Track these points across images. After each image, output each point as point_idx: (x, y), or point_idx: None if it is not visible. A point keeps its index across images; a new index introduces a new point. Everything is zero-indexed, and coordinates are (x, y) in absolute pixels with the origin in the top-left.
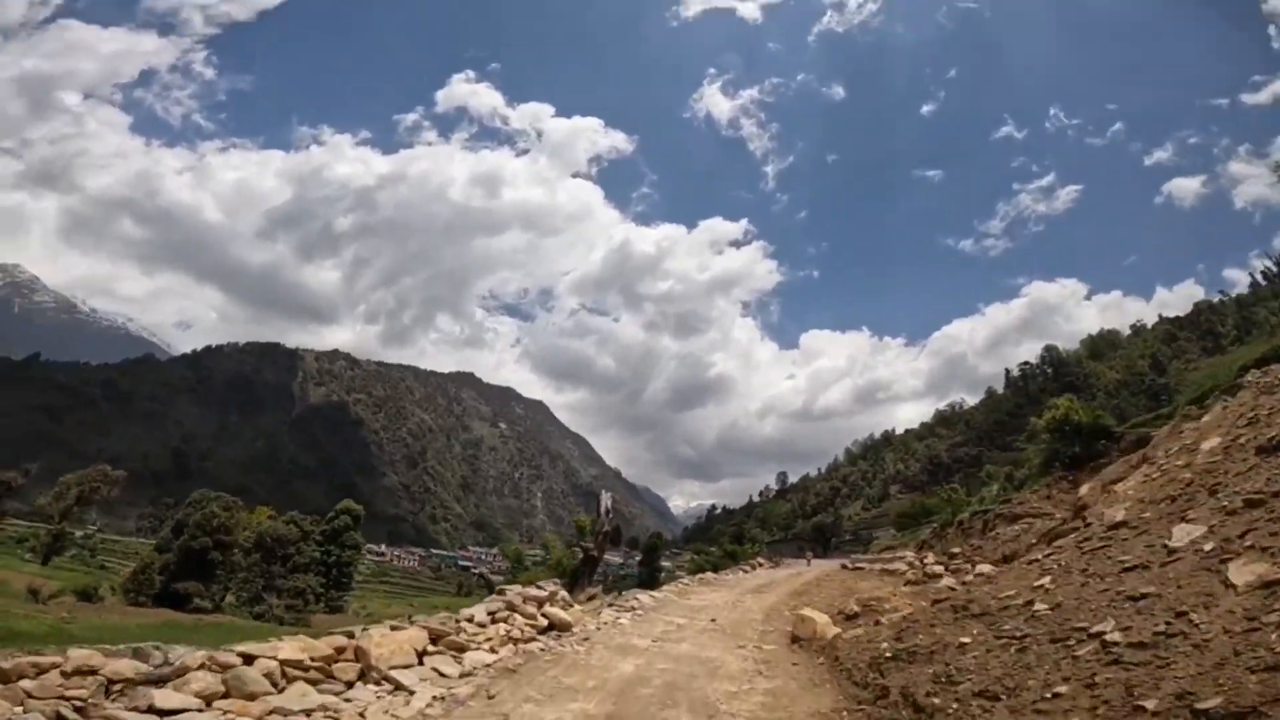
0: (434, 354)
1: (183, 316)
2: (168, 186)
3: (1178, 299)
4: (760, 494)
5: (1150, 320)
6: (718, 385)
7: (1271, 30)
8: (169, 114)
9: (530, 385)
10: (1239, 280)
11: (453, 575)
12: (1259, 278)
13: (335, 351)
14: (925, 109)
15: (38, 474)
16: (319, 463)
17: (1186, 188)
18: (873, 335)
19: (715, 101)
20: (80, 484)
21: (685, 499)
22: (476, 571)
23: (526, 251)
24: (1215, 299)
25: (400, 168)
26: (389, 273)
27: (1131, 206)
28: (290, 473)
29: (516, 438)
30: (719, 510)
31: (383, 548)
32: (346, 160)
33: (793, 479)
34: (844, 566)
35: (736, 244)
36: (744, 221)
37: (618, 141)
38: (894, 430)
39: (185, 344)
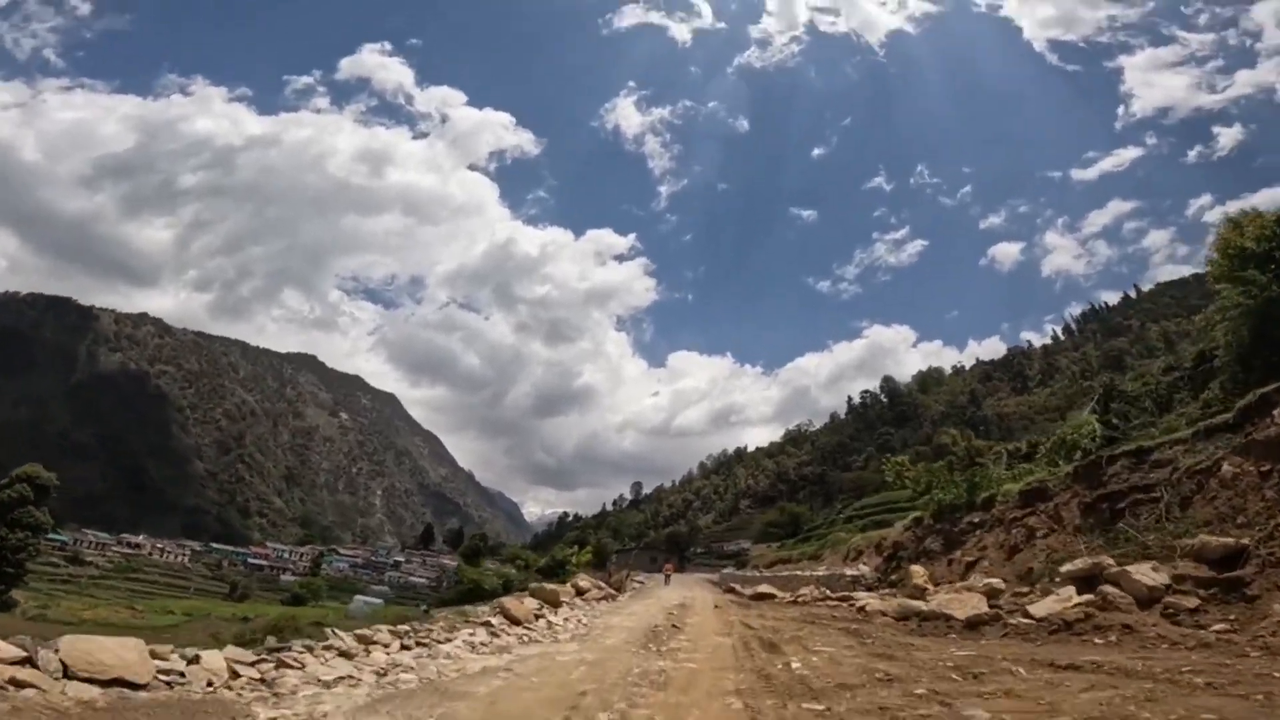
0: (275, 332)
1: None
2: None
3: (985, 351)
4: (614, 503)
5: (968, 364)
6: (583, 395)
7: (1120, 110)
8: (18, 47)
9: (382, 377)
10: (1034, 340)
11: (235, 574)
12: (1059, 332)
13: (143, 315)
14: (816, 151)
15: None
16: (101, 440)
17: (1008, 253)
18: (735, 361)
19: (627, 114)
20: None
21: (540, 506)
22: (271, 569)
23: (403, 236)
24: (1024, 346)
25: (276, 130)
26: (234, 239)
27: (962, 265)
28: (59, 449)
29: (359, 430)
30: (571, 518)
31: (140, 537)
32: (212, 115)
33: (647, 490)
34: (730, 590)
35: (620, 258)
36: (632, 236)
37: (525, 141)
38: (745, 447)
39: None
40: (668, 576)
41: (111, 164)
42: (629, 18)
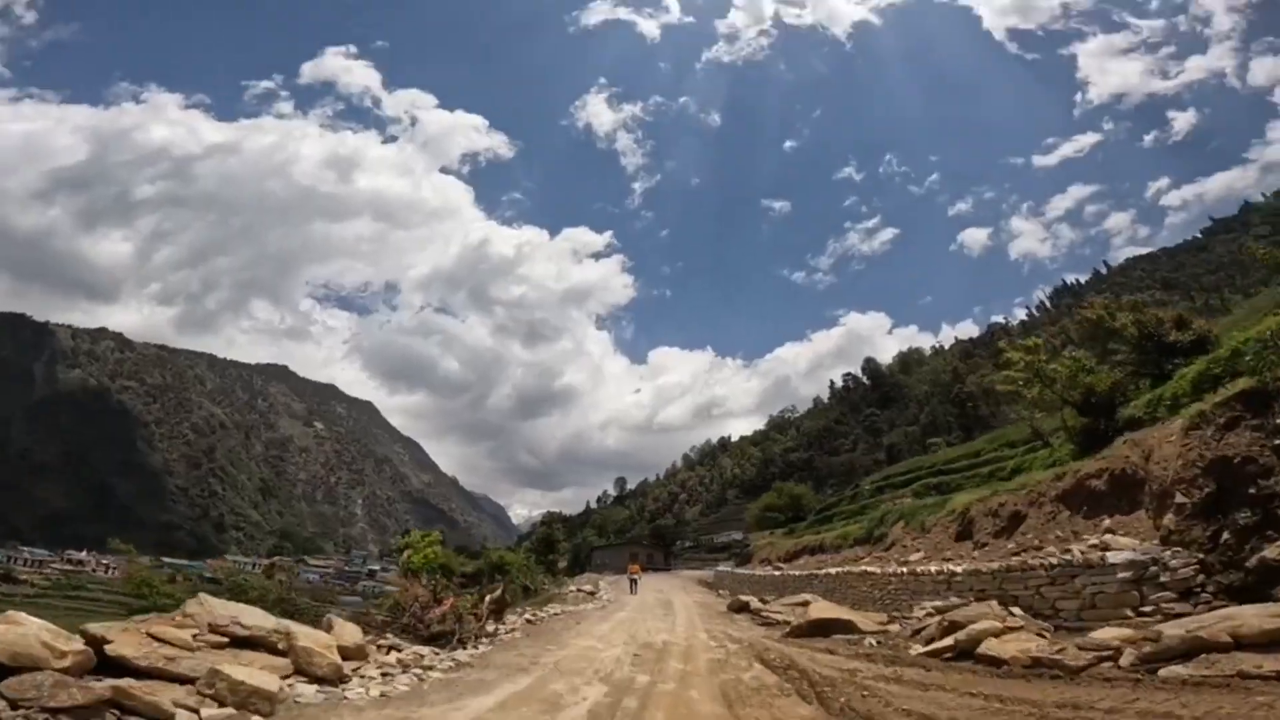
0: (245, 344)
1: None
2: None
3: (960, 334)
4: (599, 500)
5: (945, 345)
6: (564, 395)
7: (1078, 96)
8: None
9: (359, 385)
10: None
11: (189, 590)
12: (1033, 310)
13: (102, 330)
14: (787, 144)
15: None
16: (64, 458)
17: (976, 238)
18: (715, 354)
19: (598, 112)
20: None
21: (527, 508)
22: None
23: (375, 242)
24: (1002, 323)
25: (236, 138)
26: (197, 250)
27: (933, 251)
28: (22, 469)
29: (335, 439)
30: (556, 518)
31: (84, 553)
32: (167, 123)
33: (631, 486)
34: (744, 608)
35: (597, 255)
36: (608, 234)
37: (498, 143)
38: (730, 436)
39: None
40: (634, 581)
41: (65, 176)
42: (596, 14)
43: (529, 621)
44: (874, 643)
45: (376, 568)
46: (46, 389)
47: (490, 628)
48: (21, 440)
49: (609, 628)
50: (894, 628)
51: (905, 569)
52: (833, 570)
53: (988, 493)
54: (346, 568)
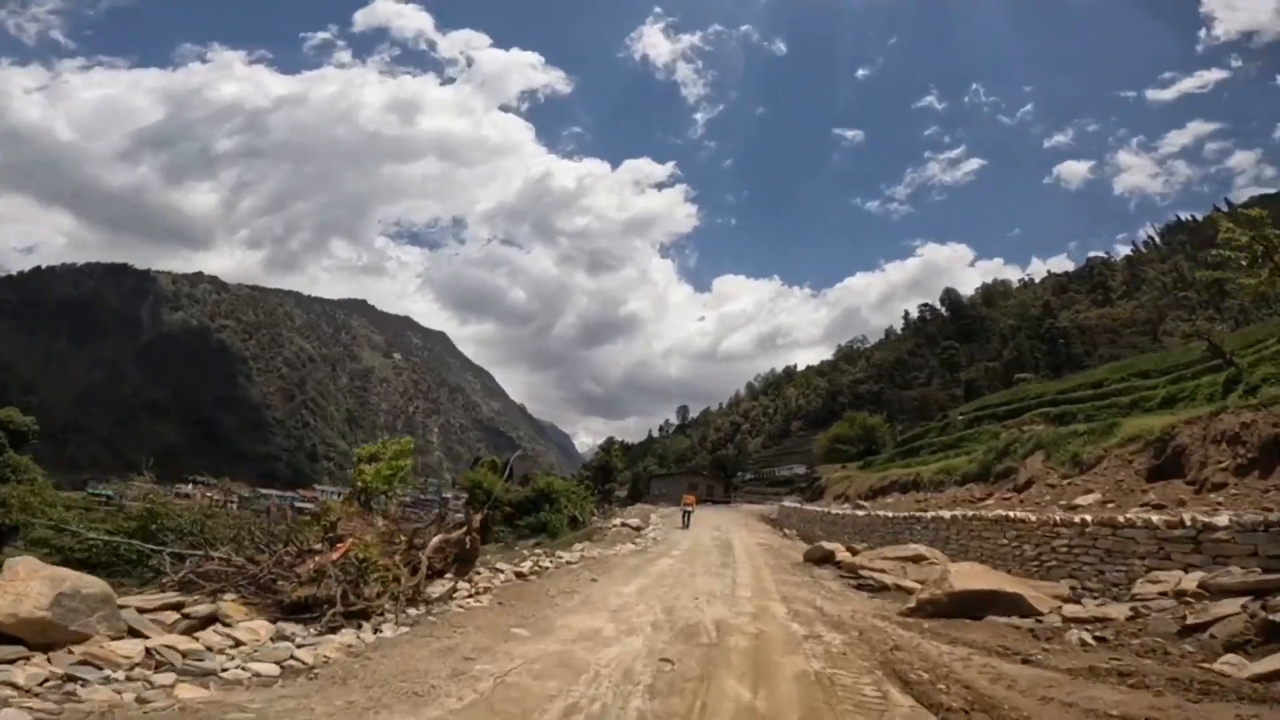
0: (327, 281)
1: (26, 241)
2: (14, 107)
3: (1053, 269)
4: (660, 429)
5: (1035, 279)
6: (628, 323)
7: (1202, 33)
8: (23, 31)
9: (432, 316)
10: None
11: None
12: (1140, 245)
13: (198, 274)
14: (860, 72)
15: None
16: (172, 396)
17: (1075, 171)
18: (782, 283)
19: (655, 43)
20: None
21: (591, 436)
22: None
23: (441, 180)
24: (1105, 256)
25: (301, 89)
26: (278, 197)
27: (1024, 183)
28: (135, 407)
29: (412, 369)
30: (616, 445)
31: (189, 487)
32: (235, 79)
33: (693, 415)
34: (823, 559)
35: (660, 186)
36: (670, 165)
37: (555, 79)
38: (795, 366)
39: (23, 267)
40: (687, 514)
41: (147, 136)
42: None
43: (519, 576)
44: (1086, 638)
45: (449, 495)
46: (153, 332)
47: (437, 589)
48: (134, 380)
49: (636, 589)
50: (1109, 610)
51: (1085, 517)
52: (944, 514)
53: (1204, 410)
54: (422, 496)
